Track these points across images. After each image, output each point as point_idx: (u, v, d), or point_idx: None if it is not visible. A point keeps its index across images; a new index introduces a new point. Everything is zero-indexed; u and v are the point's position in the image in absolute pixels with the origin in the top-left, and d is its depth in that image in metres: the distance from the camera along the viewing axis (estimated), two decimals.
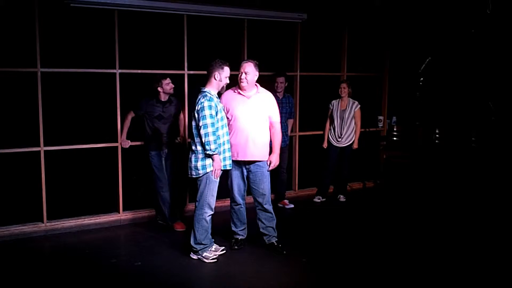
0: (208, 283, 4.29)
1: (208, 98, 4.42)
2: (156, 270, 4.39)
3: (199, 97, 4.48)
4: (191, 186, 5.48)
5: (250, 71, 4.65)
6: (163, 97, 5.45)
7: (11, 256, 4.77)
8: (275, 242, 4.86)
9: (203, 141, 4.37)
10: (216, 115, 4.43)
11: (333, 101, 6.79)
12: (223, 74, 4.52)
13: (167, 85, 5.39)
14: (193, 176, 4.56)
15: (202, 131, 4.36)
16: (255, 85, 4.77)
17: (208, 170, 4.47)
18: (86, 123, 5.64)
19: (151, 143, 5.49)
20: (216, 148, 4.39)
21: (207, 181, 4.50)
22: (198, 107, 4.42)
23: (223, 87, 4.63)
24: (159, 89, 5.39)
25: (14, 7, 5.11)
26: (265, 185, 4.79)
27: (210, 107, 4.37)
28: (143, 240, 5.21)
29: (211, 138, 4.35)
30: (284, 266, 4.52)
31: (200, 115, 4.38)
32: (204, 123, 4.36)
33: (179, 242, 5.05)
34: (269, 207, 4.83)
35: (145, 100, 5.44)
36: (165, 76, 5.43)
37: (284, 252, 4.76)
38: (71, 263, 4.58)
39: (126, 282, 4.18)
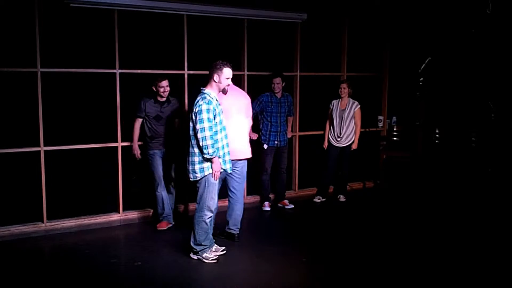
0: (208, 283, 4.29)
1: (206, 100, 4.34)
2: (156, 270, 4.39)
3: (198, 98, 4.41)
4: (190, 186, 5.47)
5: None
6: (161, 98, 5.45)
7: (11, 256, 4.76)
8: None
9: (201, 145, 4.31)
10: (214, 118, 4.36)
11: (333, 101, 6.79)
12: (222, 76, 4.43)
13: (161, 88, 5.36)
14: (191, 179, 4.53)
15: (199, 135, 4.29)
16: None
17: (206, 173, 4.43)
18: (86, 123, 5.64)
19: (149, 143, 5.49)
20: (214, 152, 4.34)
21: (206, 183, 4.46)
22: (196, 109, 4.34)
23: (224, 89, 4.56)
24: (154, 88, 5.40)
25: (14, 7, 5.11)
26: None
27: (208, 110, 4.29)
28: (143, 240, 5.21)
29: (208, 142, 4.29)
30: (284, 266, 4.51)
31: (197, 118, 4.31)
32: (201, 127, 4.29)
33: (179, 242, 5.04)
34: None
35: (143, 100, 5.43)
36: (162, 77, 5.41)
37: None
38: (71, 263, 4.58)
39: (126, 282, 4.18)
